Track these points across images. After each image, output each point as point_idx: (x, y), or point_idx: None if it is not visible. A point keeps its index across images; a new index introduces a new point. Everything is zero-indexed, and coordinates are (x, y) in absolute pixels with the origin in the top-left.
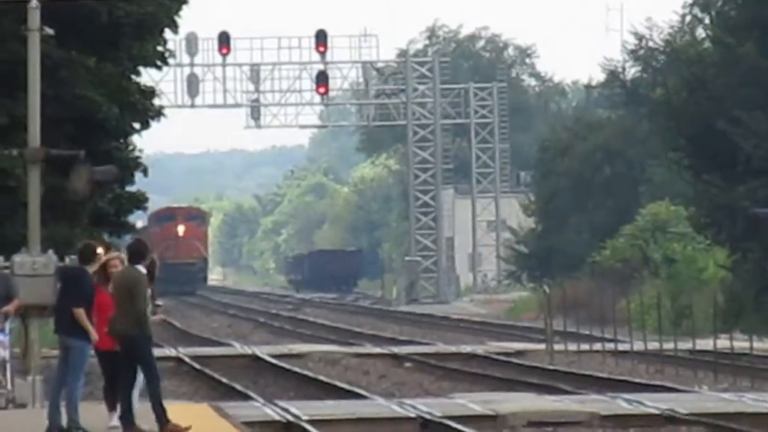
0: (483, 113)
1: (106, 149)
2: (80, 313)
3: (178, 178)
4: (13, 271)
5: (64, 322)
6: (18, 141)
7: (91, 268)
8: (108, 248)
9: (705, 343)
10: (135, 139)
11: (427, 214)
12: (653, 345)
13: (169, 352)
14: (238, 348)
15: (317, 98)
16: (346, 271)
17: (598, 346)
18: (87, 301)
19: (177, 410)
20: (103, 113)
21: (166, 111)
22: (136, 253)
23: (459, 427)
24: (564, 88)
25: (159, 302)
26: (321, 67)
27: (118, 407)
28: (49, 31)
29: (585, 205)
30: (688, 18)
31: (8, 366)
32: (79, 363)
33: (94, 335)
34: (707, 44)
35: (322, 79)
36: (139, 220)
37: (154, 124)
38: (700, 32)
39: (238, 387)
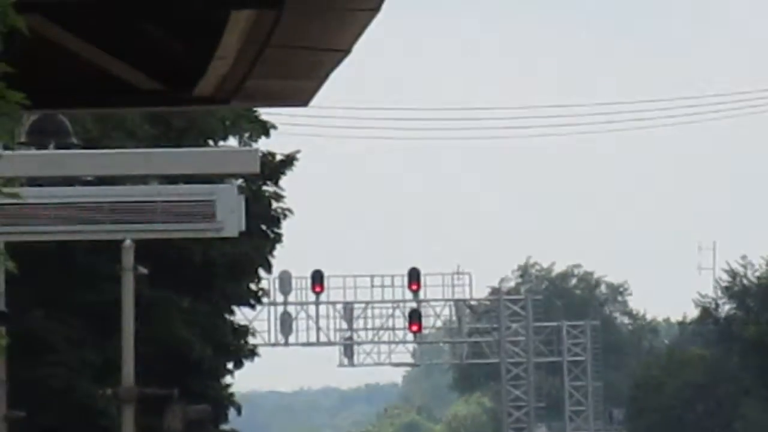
0: (576, 351)
1: (200, 388)
2: None
3: (272, 416)
4: None
5: None
6: (111, 381)
7: None
8: None
9: None
10: (229, 376)
11: None
12: None
13: None
14: None
15: (410, 336)
16: None
17: None
18: None
19: None
20: (196, 353)
21: (259, 349)
22: None
23: None
24: (656, 326)
25: None
26: (414, 305)
27: None
28: (143, 270)
29: None
30: None
31: None
32: None
33: None
34: None
35: (415, 317)
36: None
37: (247, 362)
38: None
39: None
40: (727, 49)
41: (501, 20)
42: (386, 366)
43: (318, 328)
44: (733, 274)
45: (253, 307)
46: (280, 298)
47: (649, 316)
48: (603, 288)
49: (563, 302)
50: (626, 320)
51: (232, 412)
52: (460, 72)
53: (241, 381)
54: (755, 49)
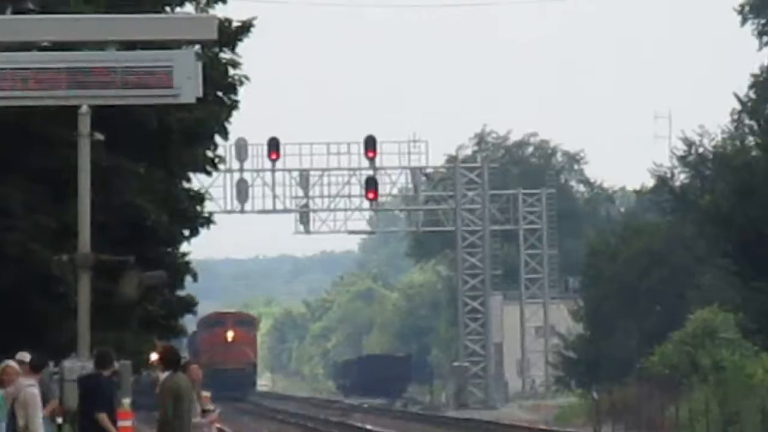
0: (532, 219)
1: (156, 255)
2: (102, 418)
3: (227, 283)
4: (63, 375)
5: (88, 428)
6: (68, 247)
7: (107, 373)
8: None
9: None
10: (185, 244)
11: (476, 320)
12: None
13: None
14: None
15: (366, 204)
16: (395, 377)
17: None
18: (108, 406)
19: None
20: (152, 220)
21: (215, 216)
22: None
23: None
24: (612, 195)
25: (210, 406)
26: (370, 172)
27: None
28: (99, 136)
29: (633, 310)
30: (735, 125)
31: None
32: None
33: None
34: (756, 151)
35: (371, 184)
36: (190, 324)
37: (203, 230)
38: (750, 139)
39: None
40: None
41: None
42: (342, 233)
43: (274, 196)
44: (688, 143)
45: (209, 173)
46: (236, 165)
47: (605, 185)
48: (559, 156)
49: (519, 170)
50: (582, 188)
51: (187, 279)
52: None
53: (198, 248)
54: None
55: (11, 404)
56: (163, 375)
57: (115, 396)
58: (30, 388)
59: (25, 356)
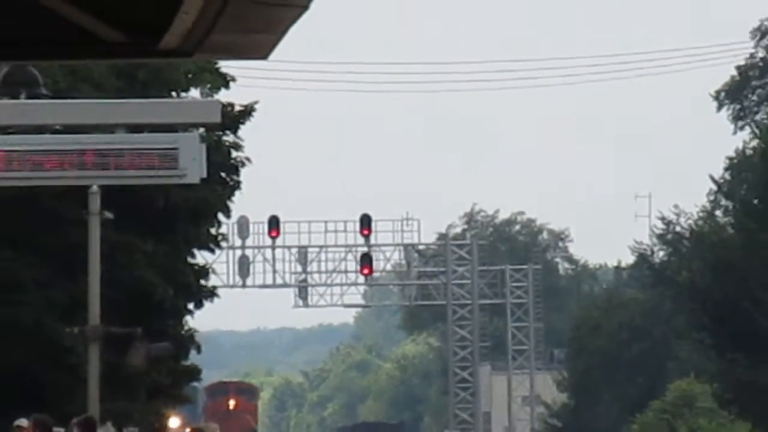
0: (519, 294)
1: (162, 327)
2: None
3: (230, 353)
4: None
5: None
6: (78, 319)
7: None
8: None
9: None
10: (189, 316)
11: (466, 389)
12: None
13: None
14: None
15: (361, 279)
16: None
17: None
18: None
19: None
20: (159, 294)
21: (218, 290)
22: None
23: None
24: (595, 271)
25: None
26: (365, 249)
27: None
28: (109, 215)
29: (615, 380)
30: (711, 205)
31: None
32: None
33: None
34: (731, 230)
35: (366, 260)
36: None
37: (207, 303)
38: (725, 219)
39: None
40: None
41: None
42: (339, 307)
43: (274, 271)
44: (666, 222)
45: (212, 250)
46: (238, 242)
47: (588, 262)
48: (545, 234)
49: (507, 247)
50: (567, 265)
51: (192, 351)
52: (399, 31)
53: (201, 320)
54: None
55: None
56: None
57: None
58: None
59: (23, 422)
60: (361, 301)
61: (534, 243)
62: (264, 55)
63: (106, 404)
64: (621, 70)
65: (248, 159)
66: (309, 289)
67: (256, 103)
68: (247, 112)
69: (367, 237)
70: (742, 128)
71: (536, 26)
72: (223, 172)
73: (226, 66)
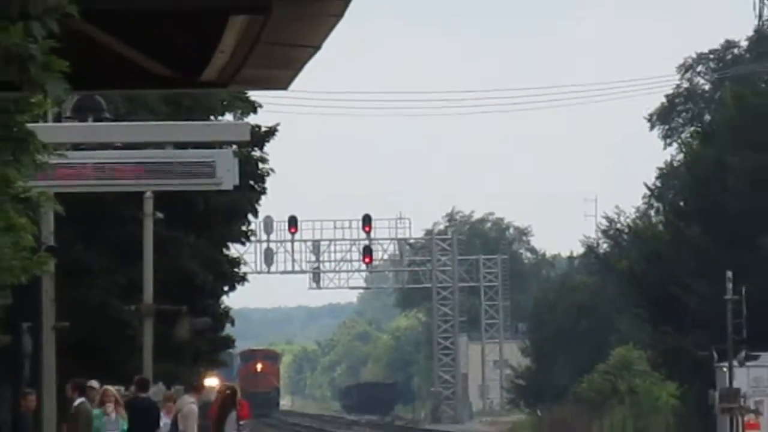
0: (490, 278)
1: (203, 305)
2: None
3: (258, 326)
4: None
5: None
6: (135, 299)
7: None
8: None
9: None
10: (225, 296)
11: (447, 355)
12: None
13: None
14: None
15: (364, 267)
16: (386, 398)
17: None
18: (156, 423)
19: None
20: (200, 279)
21: (248, 276)
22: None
23: None
24: (552, 260)
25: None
26: (366, 243)
27: None
28: (159, 215)
29: (568, 348)
30: (646, 206)
31: None
32: None
33: None
34: (661, 227)
35: (367, 252)
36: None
37: (239, 286)
38: (657, 218)
39: None
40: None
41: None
42: (345, 289)
43: (293, 260)
44: (610, 220)
45: (243, 243)
46: (264, 237)
47: (547, 252)
48: (511, 230)
49: (481, 241)
50: (529, 255)
51: (227, 324)
52: (395, 61)
53: (234, 300)
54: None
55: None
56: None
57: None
58: (190, 404)
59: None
60: (363, 284)
61: (502, 237)
62: (285, 86)
63: (157, 367)
64: (577, 98)
65: (272, 170)
66: (321, 274)
67: (278, 124)
68: (271, 132)
69: (368, 233)
70: (670, 144)
71: (527, 57)
72: (252, 180)
73: (254, 95)
